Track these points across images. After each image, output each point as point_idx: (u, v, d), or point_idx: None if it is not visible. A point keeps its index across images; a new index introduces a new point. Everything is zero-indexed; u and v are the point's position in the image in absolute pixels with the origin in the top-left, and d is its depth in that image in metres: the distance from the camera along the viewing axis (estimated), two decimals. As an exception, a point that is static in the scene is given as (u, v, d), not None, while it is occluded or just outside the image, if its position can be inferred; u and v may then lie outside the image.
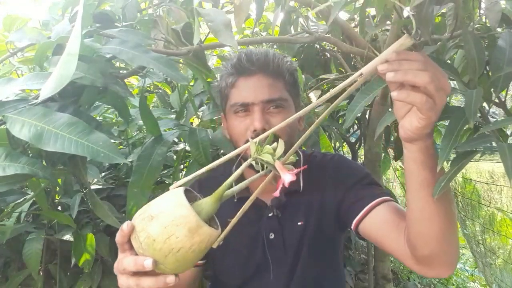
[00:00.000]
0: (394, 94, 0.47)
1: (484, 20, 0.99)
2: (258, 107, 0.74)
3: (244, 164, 0.52)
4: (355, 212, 0.74)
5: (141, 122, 1.04)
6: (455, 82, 0.68)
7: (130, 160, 1.04)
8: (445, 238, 0.56)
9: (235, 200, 0.82)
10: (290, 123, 0.75)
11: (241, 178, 0.82)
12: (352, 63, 1.56)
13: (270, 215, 0.81)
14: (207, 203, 0.49)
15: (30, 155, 0.71)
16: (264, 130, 0.71)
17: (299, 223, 0.80)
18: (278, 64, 0.77)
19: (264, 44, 1.58)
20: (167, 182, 1.31)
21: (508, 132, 0.65)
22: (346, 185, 0.79)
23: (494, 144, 0.50)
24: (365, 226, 0.73)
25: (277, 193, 0.48)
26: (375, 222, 0.71)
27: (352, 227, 0.75)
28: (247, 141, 0.74)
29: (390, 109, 0.68)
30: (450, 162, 0.55)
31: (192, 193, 0.52)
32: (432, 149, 0.53)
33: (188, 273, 0.83)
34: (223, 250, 0.82)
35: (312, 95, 1.32)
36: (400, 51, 0.46)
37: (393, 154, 1.80)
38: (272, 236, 0.80)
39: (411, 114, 0.50)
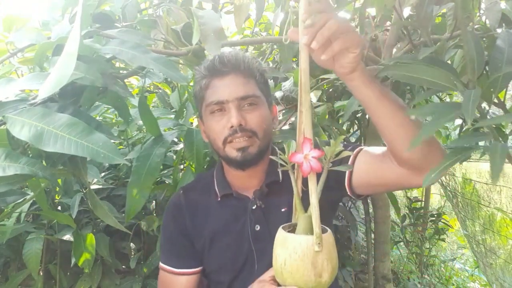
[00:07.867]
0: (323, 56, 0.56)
1: (484, 20, 0.99)
2: (233, 104, 0.77)
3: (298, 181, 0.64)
4: (341, 175, 0.76)
5: (141, 122, 1.04)
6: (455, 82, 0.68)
7: (129, 158, 1.04)
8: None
9: (219, 199, 0.84)
10: (265, 121, 0.80)
11: (223, 178, 0.84)
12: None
13: (254, 207, 0.83)
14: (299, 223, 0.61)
15: (30, 155, 0.71)
16: (240, 126, 0.75)
17: (283, 210, 0.82)
18: (248, 64, 0.80)
19: (264, 44, 1.59)
20: (167, 182, 1.31)
21: (507, 132, 0.65)
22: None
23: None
24: (356, 179, 0.75)
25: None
26: (362, 169, 0.73)
27: (348, 191, 0.77)
28: (225, 139, 0.77)
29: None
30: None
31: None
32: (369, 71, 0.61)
33: (191, 280, 0.86)
34: (212, 248, 0.84)
35: (312, 95, 1.32)
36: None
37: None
38: (258, 228, 0.82)
39: (338, 59, 0.59)
